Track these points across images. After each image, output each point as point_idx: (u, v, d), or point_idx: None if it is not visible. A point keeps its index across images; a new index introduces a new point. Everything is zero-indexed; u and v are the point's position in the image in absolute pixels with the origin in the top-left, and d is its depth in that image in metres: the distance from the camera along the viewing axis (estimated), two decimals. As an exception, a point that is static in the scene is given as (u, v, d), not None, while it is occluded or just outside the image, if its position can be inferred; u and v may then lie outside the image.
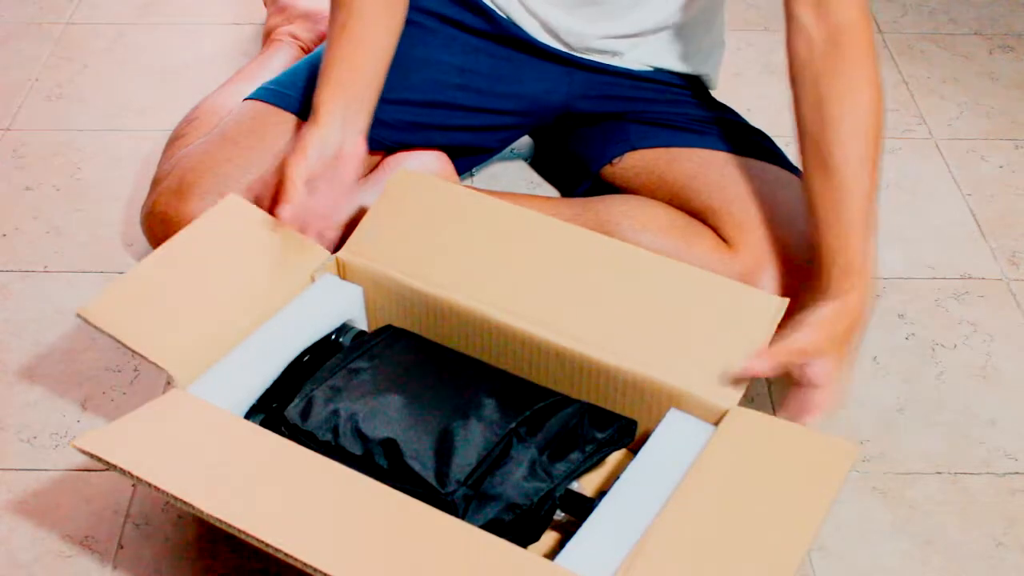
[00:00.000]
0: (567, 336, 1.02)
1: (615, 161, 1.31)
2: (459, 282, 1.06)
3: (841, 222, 1.05)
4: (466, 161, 1.38)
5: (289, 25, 1.57)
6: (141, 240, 1.31)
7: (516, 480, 0.93)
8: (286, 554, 0.81)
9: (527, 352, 1.04)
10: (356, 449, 0.94)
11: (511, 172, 1.46)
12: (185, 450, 0.91)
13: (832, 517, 1.05)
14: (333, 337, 1.06)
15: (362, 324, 1.10)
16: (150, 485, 0.86)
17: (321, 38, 1.53)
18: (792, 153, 1.47)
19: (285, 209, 1.06)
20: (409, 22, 1.31)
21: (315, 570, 0.80)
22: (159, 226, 1.23)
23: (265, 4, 1.65)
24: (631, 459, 0.98)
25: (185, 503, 0.85)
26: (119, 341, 0.95)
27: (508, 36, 1.29)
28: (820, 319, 1.02)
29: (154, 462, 0.88)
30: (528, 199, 1.33)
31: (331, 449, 0.94)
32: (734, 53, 1.64)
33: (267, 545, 0.82)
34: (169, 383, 1.01)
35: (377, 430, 0.94)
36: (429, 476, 0.92)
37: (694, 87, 1.34)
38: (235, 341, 1.00)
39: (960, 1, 1.84)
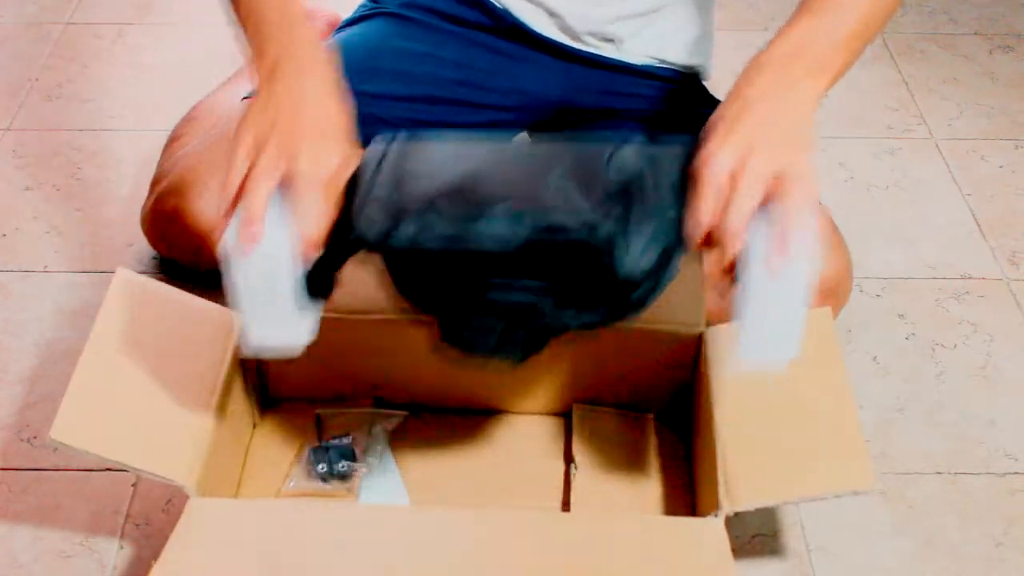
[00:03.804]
0: None
1: (615, 161, 1.31)
2: None
3: (793, 25, 0.96)
4: (466, 161, 1.38)
5: (289, 25, 1.57)
6: (141, 240, 1.31)
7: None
8: None
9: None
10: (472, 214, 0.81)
11: (511, 172, 1.46)
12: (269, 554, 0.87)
13: (832, 517, 1.05)
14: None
15: None
16: None
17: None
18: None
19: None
20: (407, 18, 1.32)
21: None
22: (159, 225, 1.23)
23: (265, 4, 1.65)
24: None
25: None
26: (111, 460, 0.90)
27: (506, 28, 1.29)
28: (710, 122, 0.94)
29: None
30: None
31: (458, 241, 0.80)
32: (734, 53, 1.64)
33: None
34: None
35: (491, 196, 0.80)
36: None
37: (692, 84, 1.34)
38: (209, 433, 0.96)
39: (960, 1, 1.84)
